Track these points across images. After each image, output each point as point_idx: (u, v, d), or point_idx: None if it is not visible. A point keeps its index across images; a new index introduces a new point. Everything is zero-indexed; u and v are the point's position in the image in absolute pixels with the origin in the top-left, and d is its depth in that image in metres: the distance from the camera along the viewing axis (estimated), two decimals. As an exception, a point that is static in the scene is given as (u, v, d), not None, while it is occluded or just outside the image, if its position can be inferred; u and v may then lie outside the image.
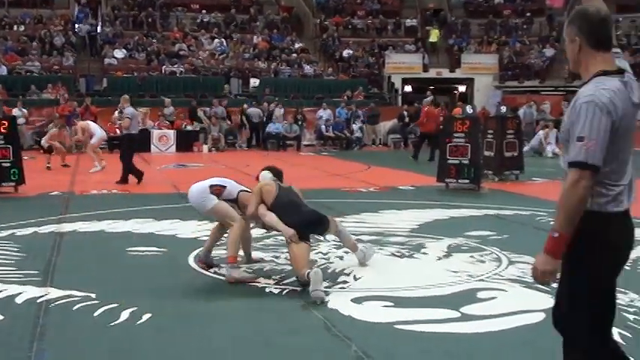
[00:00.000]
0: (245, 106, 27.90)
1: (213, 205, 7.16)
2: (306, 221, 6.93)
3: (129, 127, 15.04)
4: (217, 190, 7.21)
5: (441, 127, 18.62)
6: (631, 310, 5.91)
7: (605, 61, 3.32)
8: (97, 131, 18.39)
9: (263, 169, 7.54)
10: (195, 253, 8.06)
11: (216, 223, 7.62)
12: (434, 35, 37.11)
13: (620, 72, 3.32)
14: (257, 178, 7.48)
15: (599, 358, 3.37)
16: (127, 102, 15.61)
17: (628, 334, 5.28)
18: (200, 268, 7.47)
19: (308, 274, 6.30)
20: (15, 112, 23.51)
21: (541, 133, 24.63)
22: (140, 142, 15.68)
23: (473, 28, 38.84)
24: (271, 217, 6.90)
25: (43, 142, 19.07)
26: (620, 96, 3.23)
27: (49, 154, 18.54)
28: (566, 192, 3.20)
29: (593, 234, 3.26)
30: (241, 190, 7.34)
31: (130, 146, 15.29)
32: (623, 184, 3.32)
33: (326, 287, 6.52)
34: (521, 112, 27.29)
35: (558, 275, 3.32)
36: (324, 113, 27.93)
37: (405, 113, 28.68)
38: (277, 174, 7.48)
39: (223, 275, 7.04)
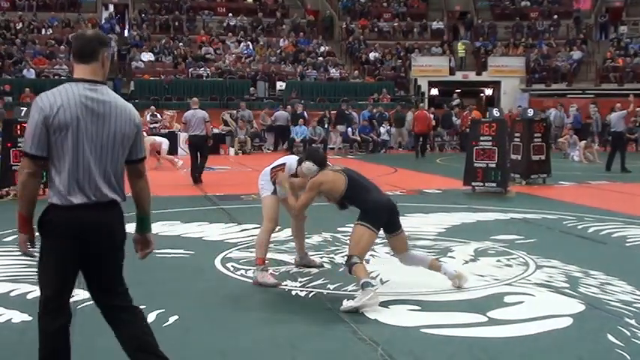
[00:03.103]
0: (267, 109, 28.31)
1: (264, 196, 7.08)
2: (385, 207, 6.41)
3: (185, 130, 16.42)
4: (279, 171, 6.95)
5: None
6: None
7: (80, 70, 3.82)
8: (164, 141, 19.98)
9: (304, 159, 6.66)
10: (221, 255, 8.09)
11: (291, 222, 7.50)
12: (461, 49, 36.83)
13: (93, 82, 3.81)
14: (295, 171, 6.86)
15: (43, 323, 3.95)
16: (196, 104, 15.86)
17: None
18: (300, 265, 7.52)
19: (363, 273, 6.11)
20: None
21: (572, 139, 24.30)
22: (197, 144, 15.43)
23: (499, 31, 38.68)
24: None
25: None
26: (72, 99, 3.68)
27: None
28: (19, 175, 3.75)
29: (43, 221, 3.72)
30: (299, 160, 6.86)
31: (189, 147, 16.08)
32: (70, 179, 3.70)
33: (352, 290, 6.50)
34: (551, 115, 27.10)
35: (31, 247, 3.81)
36: (361, 115, 28.24)
37: (432, 116, 28.54)
38: (322, 161, 6.65)
39: (250, 278, 7.06)
